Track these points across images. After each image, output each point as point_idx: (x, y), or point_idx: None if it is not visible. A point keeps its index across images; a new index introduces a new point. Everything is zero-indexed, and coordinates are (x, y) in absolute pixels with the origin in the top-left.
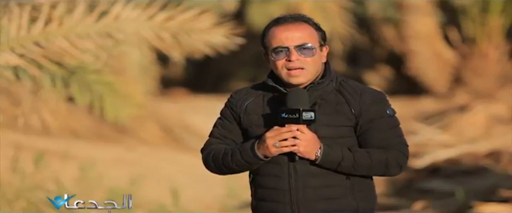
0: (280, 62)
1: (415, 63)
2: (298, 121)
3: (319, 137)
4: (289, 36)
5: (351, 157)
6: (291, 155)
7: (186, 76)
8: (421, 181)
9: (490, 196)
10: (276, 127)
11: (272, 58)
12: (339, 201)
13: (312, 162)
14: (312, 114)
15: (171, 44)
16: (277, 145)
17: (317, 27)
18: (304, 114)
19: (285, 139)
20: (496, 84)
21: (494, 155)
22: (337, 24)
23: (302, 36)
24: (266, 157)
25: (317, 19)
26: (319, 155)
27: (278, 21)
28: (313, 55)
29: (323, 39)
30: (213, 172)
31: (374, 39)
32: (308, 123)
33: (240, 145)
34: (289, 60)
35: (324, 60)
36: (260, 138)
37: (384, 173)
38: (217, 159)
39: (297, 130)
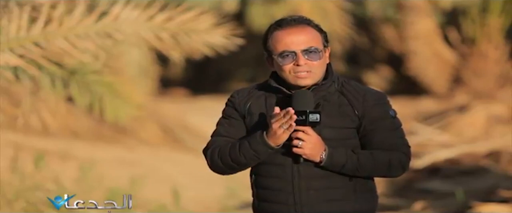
0: (288, 67)
1: (415, 63)
2: (304, 123)
3: (323, 139)
4: (295, 40)
5: (355, 159)
6: (295, 157)
7: (186, 76)
8: (421, 181)
9: (489, 197)
10: (275, 112)
11: (279, 63)
12: (342, 203)
13: (316, 164)
14: (318, 116)
15: (170, 45)
16: (285, 126)
17: (319, 29)
18: (310, 116)
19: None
20: (495, 84)
21: (494, 155)
22: (336, 25)
23: (307, 39)
24: (276, 145)
25: (316, 20)
26: (324, 157)
27: (280, 24)
28: (319, 59)
29: (326, 40)
30: (217, 170)
31: (374, 39)
32: (314, 125)
33: (247, 136)
34: (297, 65)
35: (328, 61)
36: (266, 128)
37: (387, 174)
38: (223, 153)
39: (303, 132)
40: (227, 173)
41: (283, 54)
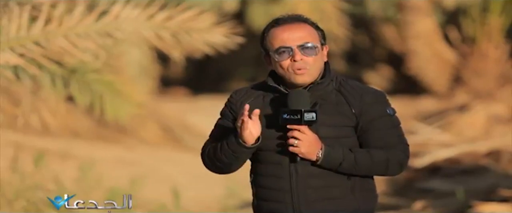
0: (285, 63)
1: (415, 63)
2: (299, 122)
3: (320, 138)
4: (291, 36)
5: (352, 157)
6: (292, 156)
7: (186, 75)
8: (421, 180)
9: (490, 196)
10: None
11: (276, 59)
12: (340, 201)
13: (313, 163)
14: (314, 114)
15: (171, 44)
16: (239, 123)
17: (316, 27)
18: (305, 115)
19: (290, 138)
20: (496, 84)
21: (494, 155)
22: (334, 26)
23: (304, 35)
24: (249, 143)
25: (314, 20)
26: (320, 155)
27: (277, 22)
28: (316, 54)
29: (323, 38)
30: (212, 170)
31: (374, 39)
32: (310, 123)
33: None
34: (294, 60)
35: (325, 59)
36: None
37: (385, 173)
38: (209, 155)
39: (299, 131)
40: (221, 173)
41: (279, 50)
